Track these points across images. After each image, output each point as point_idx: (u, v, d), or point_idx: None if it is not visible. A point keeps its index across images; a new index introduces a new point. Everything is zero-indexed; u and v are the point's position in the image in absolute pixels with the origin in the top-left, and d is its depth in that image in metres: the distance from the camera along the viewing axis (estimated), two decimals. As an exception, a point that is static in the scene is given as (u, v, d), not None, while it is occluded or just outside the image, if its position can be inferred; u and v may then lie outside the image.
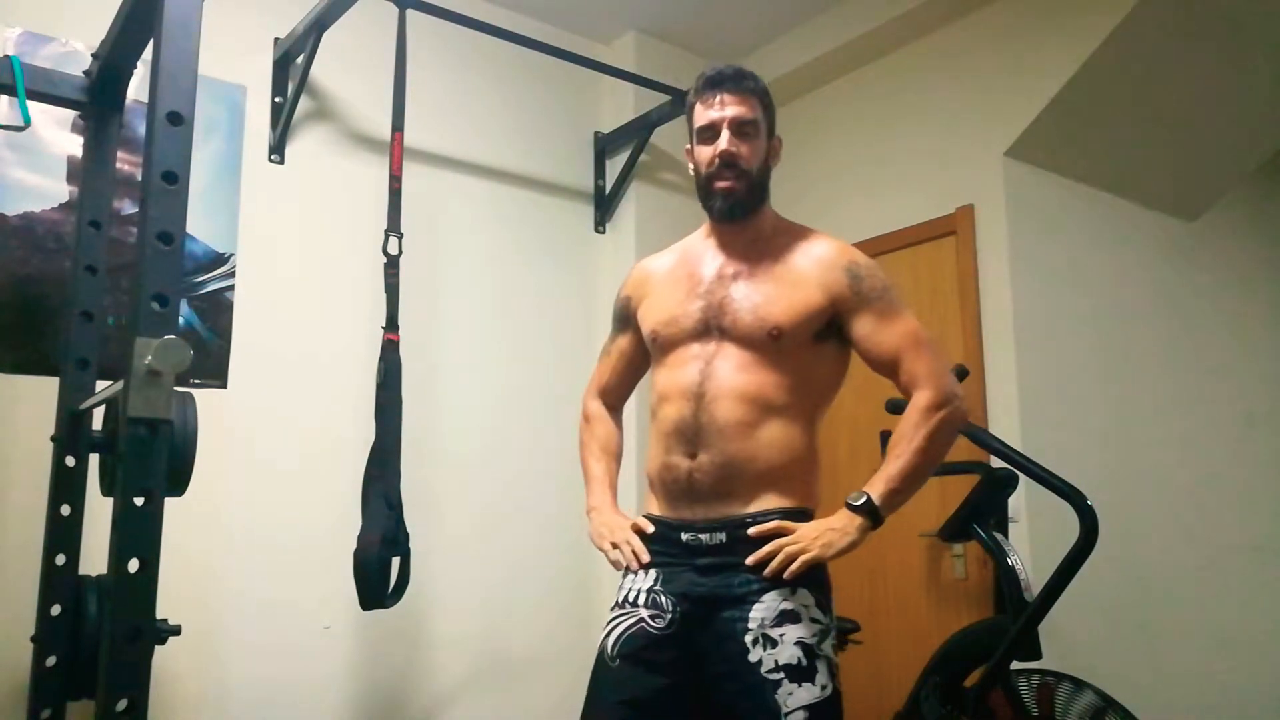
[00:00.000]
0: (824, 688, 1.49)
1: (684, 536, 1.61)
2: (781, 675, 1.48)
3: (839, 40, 3.29)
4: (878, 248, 3.29)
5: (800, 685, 1.48)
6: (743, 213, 1.69)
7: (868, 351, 1.67)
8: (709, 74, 1.71)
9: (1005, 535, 2.40)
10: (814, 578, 1.56)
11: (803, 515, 1.61)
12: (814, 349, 1.66)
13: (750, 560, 1.54)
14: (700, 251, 1.76)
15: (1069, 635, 2.69)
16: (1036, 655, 2.17)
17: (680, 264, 1.77)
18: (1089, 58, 2.73)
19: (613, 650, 1.61)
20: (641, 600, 1.62)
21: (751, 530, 1.56)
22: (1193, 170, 3.41)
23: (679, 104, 3.15)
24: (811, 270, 1.65)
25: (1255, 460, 3.67)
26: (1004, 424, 2.82)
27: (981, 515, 2.40)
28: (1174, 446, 3.36)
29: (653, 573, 1.63)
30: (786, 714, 1.47)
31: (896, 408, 2.22)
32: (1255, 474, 3.66)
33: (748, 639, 1.51)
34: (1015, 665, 2.20)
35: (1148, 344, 3.35)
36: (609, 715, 1.58)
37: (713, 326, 1.65)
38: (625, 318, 1.87)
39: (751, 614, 1.52)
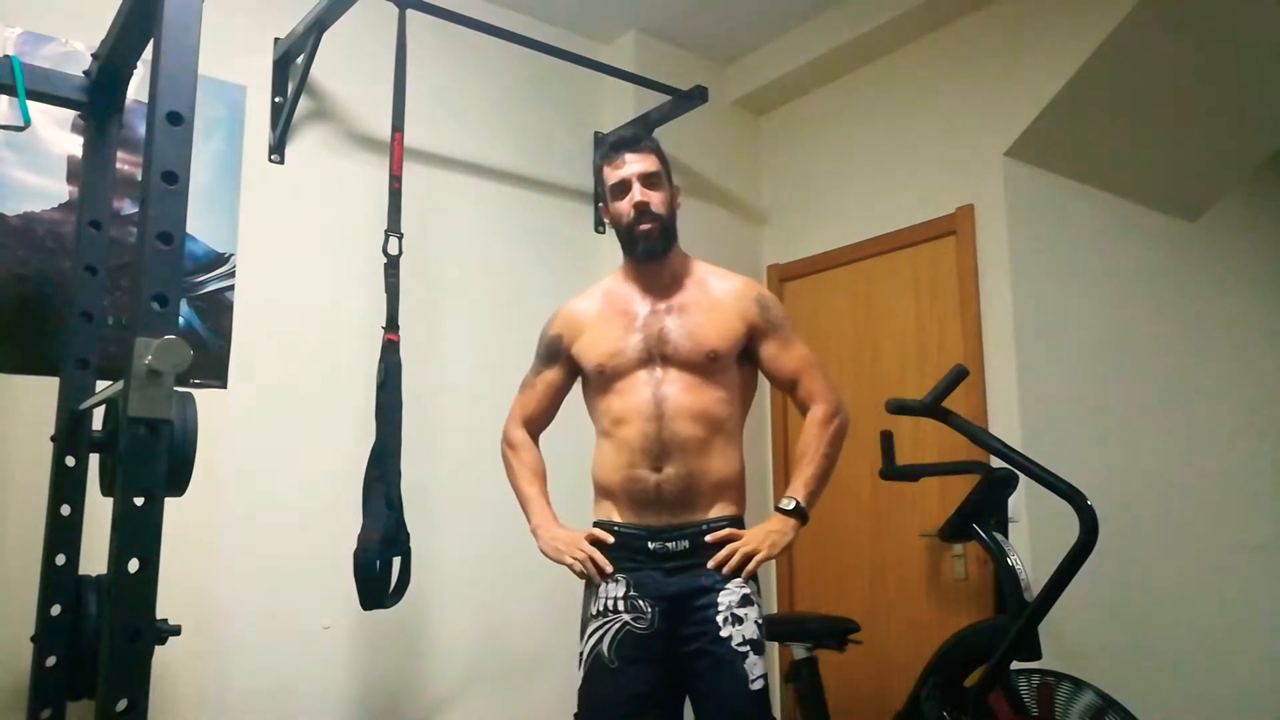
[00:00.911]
0: (765, 658, 1.85)
1: (651, 545, 1.88)
2: (747, 648, 1.81)
3: (839, 40, 3.30)
4: (878, 248, 3.30)
5: (759, 657, 1.82)
6: (662, 251, 1.98)
7: (773, 370, 2.01)
8: (611, 141, 2.04)
9: (1005, 535, 2.41)
10: (755, 572, 1.90)
11: (741, 522, 1.94)
12: (738, 369, 1.99)
13: (711, 564, 1.85)
14: (626, 293, 2.03)
15: (1069, 635, 2.70)
16: (1036, 655, 2.18)
17: (608, 305, 2.03)
18: (1089, 58, 2.73)
19: (610, 653, 1.86)
20: (621, 607, 1.87)
21: (709, 537, 1.86)
22: (1193, 170, 3.41)
23: (679, 104, 3.16)
24: (729, 301, 1.98)
25: (1255, 460, 3.67)
26: (1004, 424, 2.82)
27: (981, 515, 2.40)
28: (1174, 446, 3.36)
29: (623, 580, 1.89)
30: (751, 681, 1.79)
31: (898, 408, 2.23)
32: (1255, 474, 3.66)
33: (719, 619, 1.82)
34: (1015, 665, 2.20)
35: (1148, 343, 3.35)
36: (619, 711, 1.83)
37: (655, 355, 1.92)
38: (555, 353, 2.08)
39: (720, 599, 1.83)
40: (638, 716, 1.83)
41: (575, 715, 1.93)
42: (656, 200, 1.96)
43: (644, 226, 1.95)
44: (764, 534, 1.87)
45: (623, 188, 1.97)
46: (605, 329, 1.99)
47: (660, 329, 1.94)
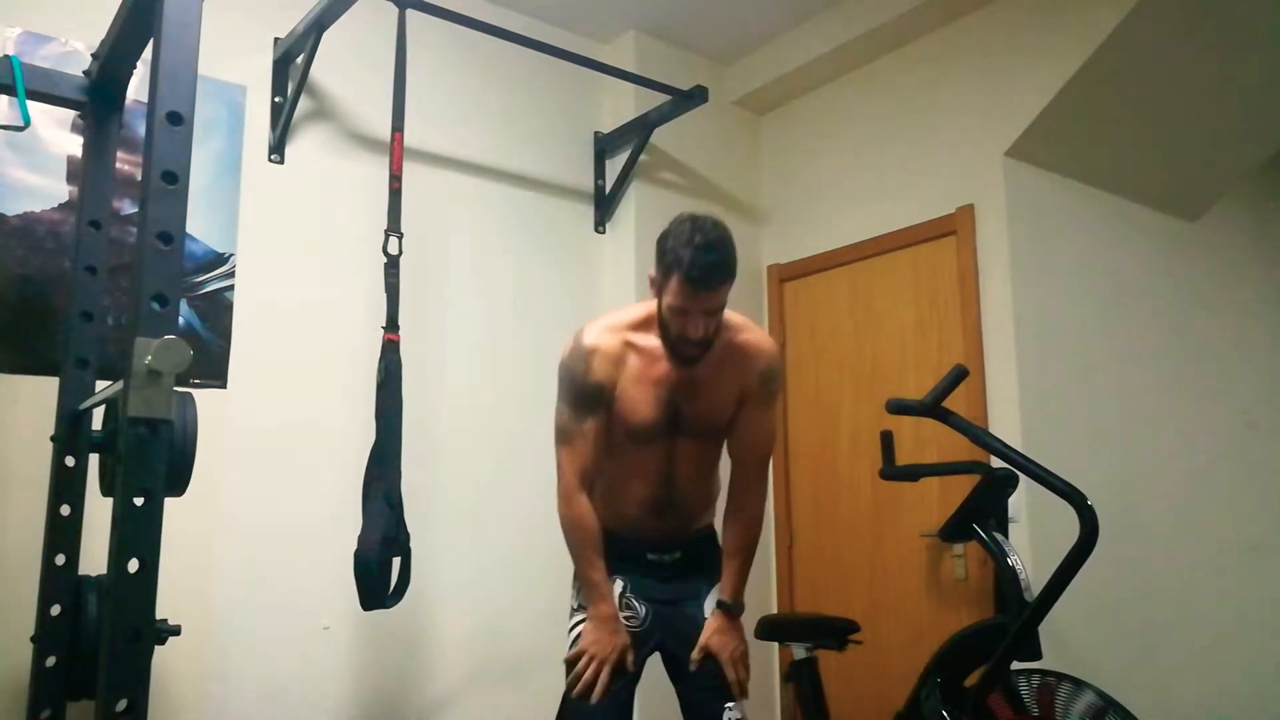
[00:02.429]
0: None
1: (649, 556, 2.08)
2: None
3: (839, 40, 3.30)
4: (878, 248, 3.30)
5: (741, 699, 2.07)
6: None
7: (740, 432, 2.07)
8: (699, 268, 1.80)
9: (1005, 535, 2.40)
10: (714, 579, 2.10)
11: (712, 527, 2.17)
12: None
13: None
14: (655, 352, 1.98)
15: (1069, 635, 2.70)
16: (1036, 655, 2.17)
17: (641, 363, 1.99)
18: (1089, 58, 2.73)
19: None
20: (617, 604, 2.03)
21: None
22: (1193, 170, 3.41)
23: (679, 104, 3.16)
24: (737, 374, 2.01)
25: (1255, 460, 3.67)
26: (1004, 424, 2.82)
27: (982, 515, 2.40)
28: (1174, 446, 3.36)
29: (619, 581, 2.05)
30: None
31: (898, 408, 2.23)
32: (1255, 474, 3.66)
33: (701, 620, 2.06)
34: (1015, 665, 2.20)
35: (1148, 343, 3.35)
36: (603, 701, 1.95)
37: (674, 426, 2.00)
38: (597, 401, 1.97)
39: (705, 604, 2.08)
40: (618, 698, 1.98)
41: (562, 700, 2.00)
42: (713, 326, 1.91)
43: (691, 350, 1.91)
44: (731, 634, 2.04)
45: (684, 312, 1.86)
46: (639, 394, 1.97)
47: (681, 407, 1.99)
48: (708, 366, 1.97)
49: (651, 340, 1.98)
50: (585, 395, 1.96)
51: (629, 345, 1.99)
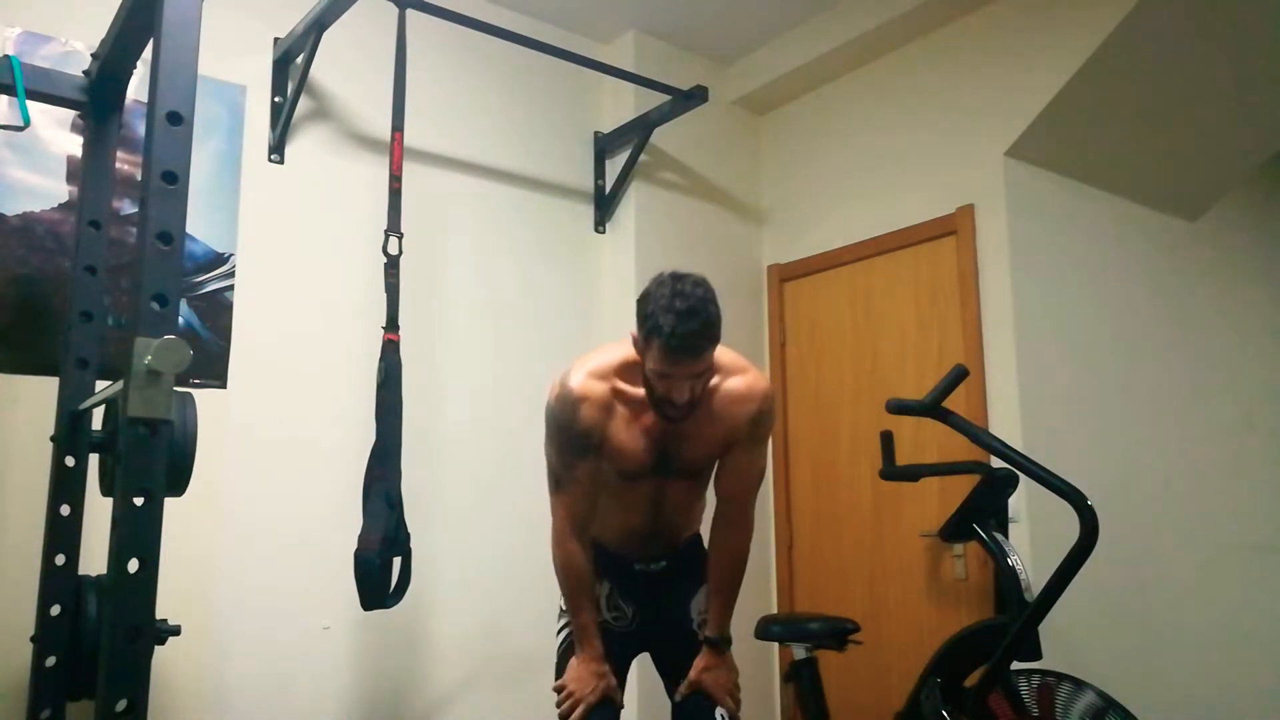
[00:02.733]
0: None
1: (636, 566, 2.12)
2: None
3: (839, 40, 3.29)
4: (878, 248, 3.30)
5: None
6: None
7: (728, 469, 2.03)
8: (679, 337, 1.74)
9: (1005, 535, 2.40)
10: (701, 580, 2.11)
11: (698, 534, 2.19)
12: None
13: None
14: (646, 407, 1.93)
15: (1069, 635, 2.70)
16: (1037, 655, 2.17)
17: (633, 415, 1.94)
18: (1089, 57, 2.73)
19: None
20: (603, 605, 2.10)
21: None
22: (1193, 170, 3.41)
23: (679, 104, 3.16)
24: (727, 420, 1.96)
25: (1255, 460, 3.67)
26: (1004, 424, 2.82)
27: (982, 515, 2.40)
28: (1174, 446, 3.36)
29: (606, 583, 2.11)
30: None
31: (898, 408, 2.23)
32: (1255, 474, 3.66)
33: (692, 624, 2.10)
34: (1015, 665, 2.20)
35: (1148, 343, 3.35)
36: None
37: (663, 467, 1.99)
38: (588, 447, 1.93)
39: (693, 605, 2.12)
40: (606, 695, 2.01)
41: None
42: (699, 388, 1.86)
43: (675, 411, 1.86)
44: (725, 669, 2.04)
45: (667, 376, 1.81)
46: (628, 440, 1.94)
47: (669, 448, 1.96)
48: (696, 415, 1.91)
49: (638, 389, 1.92)
50: (575, 443, 1.92)
51: (616, 393, 1.93)
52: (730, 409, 1.95)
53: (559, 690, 2.01)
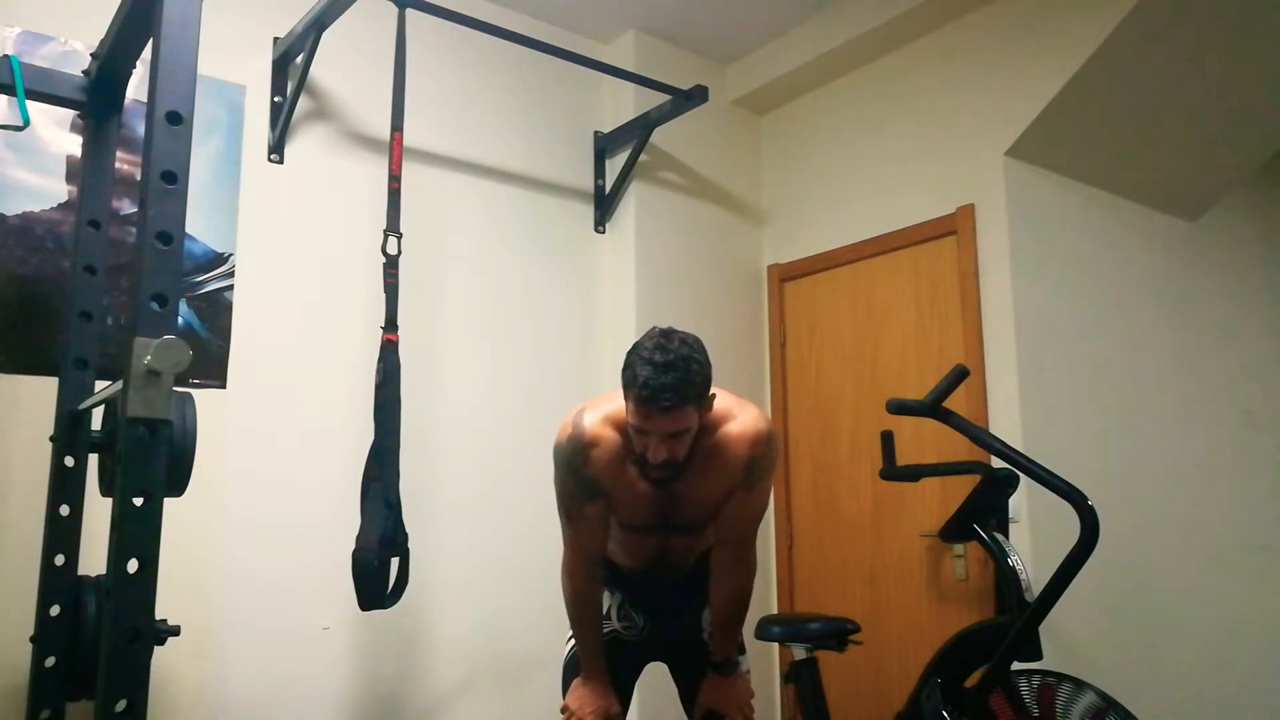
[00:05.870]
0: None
1: (647, 579, 2.11)
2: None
3: (839, 40, 3.29)
4: (878, 248, 3.30)
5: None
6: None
7: (725, 514, 1.97)
8: (649, 388, 1.70)
9: (1005, 535, 2.40)
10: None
11: (706, 553, 2.11)
12: None
13: None
14: (642, 463, 1.86)
15: (1069, 635, 2.70)
16: (1037, 655, 2.17)
17: (632, 469, 1.90)
18: (1089, 57, 2.73)
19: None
20: (614, 615, 2.12)
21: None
22: (1193, 170, 3.41)
23: (679, 104, 3.16)
24: (724, 471, 1.91)
25: (1255, 460, 3.67)
26: (1004, 424, 2.82)
27: (982, 515, 2.40)
28: (1174, 446, 3.36)
29: (618, 593, 2.14)
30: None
31: (899, 408, 2.23)
32: (1255, 474, 3.66)
33: (704, 636, 2.12)
34: (1016, 666, 2.20)
35: (1148, 343, 3.35)
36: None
37: (663, 525, 1.98)
38: (596, 491, 1.93)
39: (703, 619, 2.13)
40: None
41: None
42: (678, 449, 1.79)
43: (654, 472, 1.83)
44: (739, 692, 2.05)
45: (642, 432, 1.77)
46: (627, 494, 1.92)
47: (669, 506, 1.94)
48: (691, 471, 1.87)
49: (635, 450, 1.88)
50: (582, 489, 1.92)
51: (621, 451, 1.88)
52: (726, 459, 1.89)
53: (564, 711, 2.02)
